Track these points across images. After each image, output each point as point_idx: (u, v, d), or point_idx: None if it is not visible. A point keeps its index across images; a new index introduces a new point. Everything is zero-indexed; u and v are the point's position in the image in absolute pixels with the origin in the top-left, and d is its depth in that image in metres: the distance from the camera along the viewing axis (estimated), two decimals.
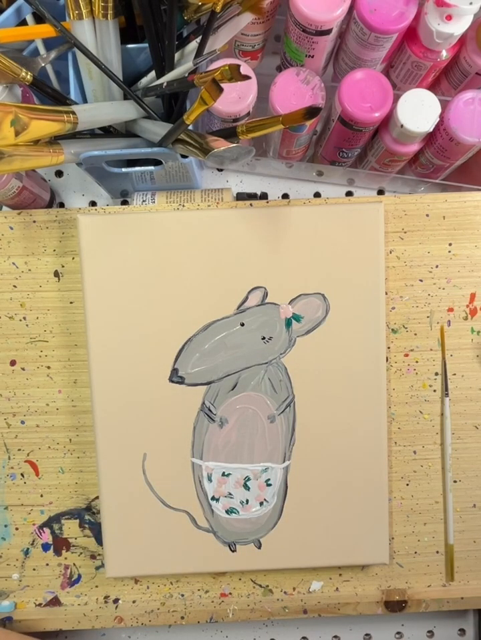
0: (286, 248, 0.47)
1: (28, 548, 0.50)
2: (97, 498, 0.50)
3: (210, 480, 0.48)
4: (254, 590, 0.50)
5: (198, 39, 0.41)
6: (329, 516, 0.48)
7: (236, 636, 0.52)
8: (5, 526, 0.50)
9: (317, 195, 0.55)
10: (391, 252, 0.49)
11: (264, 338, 0.47)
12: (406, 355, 0.50)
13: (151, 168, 0.46)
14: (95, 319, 0.47)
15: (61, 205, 0.56)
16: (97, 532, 0.50)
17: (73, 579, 0.50)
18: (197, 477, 0.48)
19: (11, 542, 0.50)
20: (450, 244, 0.49)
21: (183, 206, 0.49)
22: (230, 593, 0.50)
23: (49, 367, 0.50)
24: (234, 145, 0.39)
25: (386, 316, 0.49)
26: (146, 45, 0.44)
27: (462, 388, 0.50)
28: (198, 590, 0.50)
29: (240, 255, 0.47)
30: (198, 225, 0.47)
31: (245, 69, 0.42)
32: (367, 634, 0.52)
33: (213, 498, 0.48)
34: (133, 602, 0.50)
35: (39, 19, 0.44)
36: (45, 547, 0.50)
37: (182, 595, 0.50)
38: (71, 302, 0.50)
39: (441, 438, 0.50)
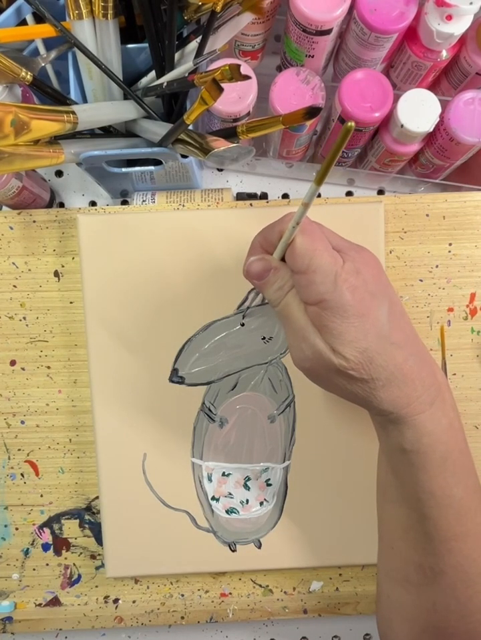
0: None
1: (28, 548, 0.50)
2: (97, 498, 0.50)
3: (210, 479, 0.48)
4: (254, 590, 0.50)
5: (198, 39, 0.41)
6: (329, 516, 0.48)
7: (236, 636, 0.52)
8: (5, 526, 0.50)
9: (317, 195, 0.55)
10: (391, 252, 0.49)
11: (264, 338, 0.47)
12: None
13: (151, 168, 0.46)
14: (94, 319, 0.47)
15: (61, 205, 0.56)
16: (97, 532, 0.50)
17: (73, 579, 0.50)
18: (197, 477, 0.48)
19: (11, 542, 0.50)
20: (450, 244, 0.49)
21: (183, 206, 0.49)
22: (230, 593, 0.50)
23: (49, 367, 0.50)
24: (234, 145, 0.39)
25: None
26: (146, 45, 0.44)
27: (462, 388, 0.50)
28: (198, 590, 0.50)
29: (240, 255, 0.47)
30: (198, 225, 0.47)
31: (245, 69, 0.42)
32: (367, 635, 0.52)
33: (213, 498, 0.48)
34: (133, 602, 0.50)
35: (39, 19, 0.44)
36: (45, 547, 0.50)
37: (182, 595, 0.50)
38: (71, 302, 0.50)
39: None
